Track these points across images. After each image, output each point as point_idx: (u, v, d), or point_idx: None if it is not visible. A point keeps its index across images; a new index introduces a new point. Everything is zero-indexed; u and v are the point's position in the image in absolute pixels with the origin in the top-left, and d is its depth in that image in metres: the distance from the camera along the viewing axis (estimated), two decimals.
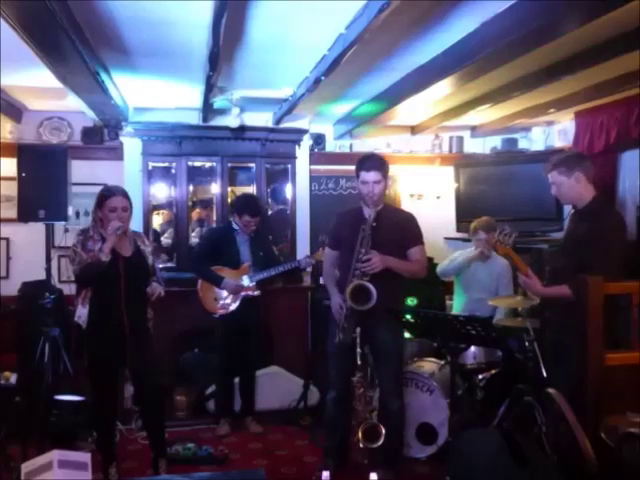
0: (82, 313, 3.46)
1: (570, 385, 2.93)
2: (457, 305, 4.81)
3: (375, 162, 3.57)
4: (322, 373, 4.10)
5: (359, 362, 3.37)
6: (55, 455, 1.81)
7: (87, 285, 3.50)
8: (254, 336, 4.77)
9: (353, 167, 3.70)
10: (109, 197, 3.49)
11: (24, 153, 4.45)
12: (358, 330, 3.37)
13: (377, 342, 3.47)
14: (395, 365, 3.70)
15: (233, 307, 4.62)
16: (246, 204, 4.72)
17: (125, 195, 3.56)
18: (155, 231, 5.69)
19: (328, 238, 3.97)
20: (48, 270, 4.53)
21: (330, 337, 3.68)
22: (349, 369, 3.50)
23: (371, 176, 3.51)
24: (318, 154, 5.98)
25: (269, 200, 5.75)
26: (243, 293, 4.62)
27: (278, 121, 5.36)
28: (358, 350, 3.36)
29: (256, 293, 4.67)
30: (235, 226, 4.72)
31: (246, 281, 4.63)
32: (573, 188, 3.24)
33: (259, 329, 4.82)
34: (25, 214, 4.46)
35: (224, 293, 4.63)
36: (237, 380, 4.89)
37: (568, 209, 5.19)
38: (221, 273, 4.62)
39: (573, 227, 3.33)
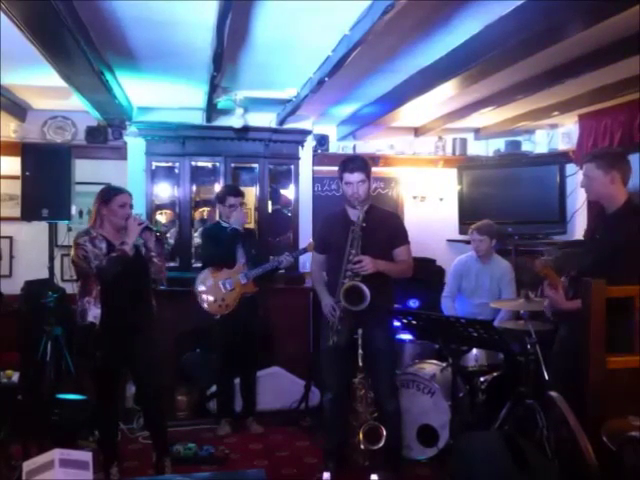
0: (97, 313, 3.46)
1: (575, 383, 2.92)
2: (460, 311, 4.80)
3: (358, 163, 3.58)
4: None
5: (360, 363, 3.37)
6: (56, 454, 1.81)
7: (109, 279, 3.47)
8: (254, 335, 4.77)
9: None
10: (118, 194, 3.61)
11: (28, 152, 4.47)
12: (360, 332, 3.37)
13: (370, 343, 3.46)
14: (389, 365, 3.70)
15: (233, 306, 4.61)
16: (225, 188, 4.95)
17: (129, 193, 3.71)
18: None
19: (314, 241, 3.99)
20: (51, 269, 4.55)
21: (322, 339, 3.69)
22: (345, 370, 3.51)
23: (355, 177, 3.52)
24: (321, 155, 5.99)
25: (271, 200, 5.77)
26: (241, 291, 4.62)
27: (282, 122, 5.36)
28: (360, 352, 3.36)
29: (254, 290, 4.67)
30: (224, 224, 4.72)
31: (243, 279, 4.63)
32: (606, 186, 3.12)
33: (259, 328, 4.82)
34: (28, 213, 4.48)
35: (222, 293, 4.63)
36: (238, 380, 4.89)
37: (573, 211, 5.30)
38: (218, 272, 4.62)
39: (604, 232, 3.19)
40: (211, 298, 4.63)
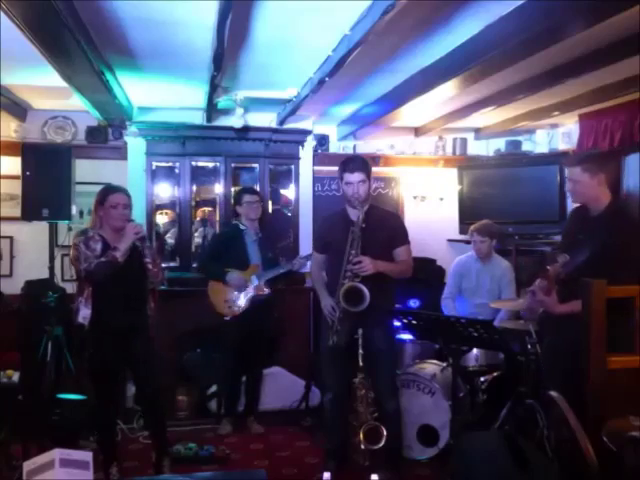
0: (86, 314, 3.46)
1: (572, 384, 2.92)
2: (460, 311, 4.79)
3: (358, 163, 3.58)
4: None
5: (361, 363, 3.37)
6: (57, 454, 1.81)
7: (98, 282, 3.47)
8: (265, 337, 4.77)
9: None
10: (111, 194, 3.55)
11: (28, 152, 4.47)
12: (360, 332, 3.37)
13: (370, 343, 3.45)
14: (389, 365, 3.71)
15: (243, 308, 4.62)
16: (242, 189, 5.01)
17: (126, 193, 3.61)
18: (158, 231, 5.70)
19: (314, 241, 3.98)
20: (51, 269, 4.54)
21: (322, 340, 3.69)
22: (345, 370, 3.50)
23: (355, 177, 3.51)
24: (322, 155, 5.99)
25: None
26: (252, 293, 4.62)
27: (282, 122, 5.36)
28: (360, 352, 3.36)
29: (266, 291, 4.67)
30: (242, 227, 4.74)
31: (255, 281, 4.63)
32: (592, 189, 3.15)
33: (272, 329, 4.81)
34: (29, 213, 4.48)
35: (234, 294, 4.63)
36: (243, 379, 4.90)
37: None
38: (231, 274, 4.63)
39: (591, 233, 3.17)
40: (221, 298, 4.63)
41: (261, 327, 4.69)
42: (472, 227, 4.78)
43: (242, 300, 4.62)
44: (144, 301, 3.66)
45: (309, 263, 4.28)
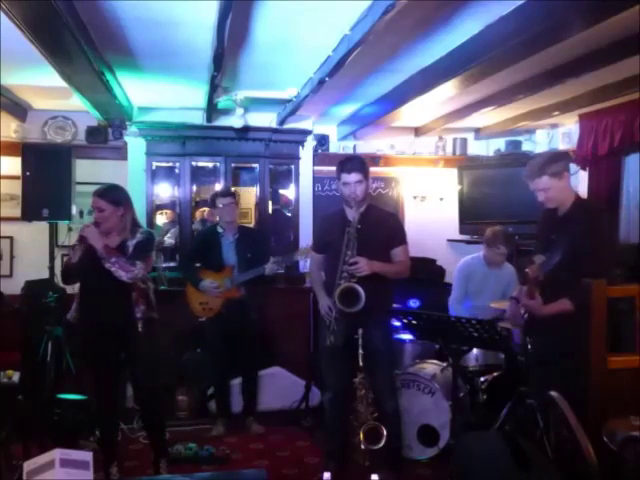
0: (73, 311, 3.52)
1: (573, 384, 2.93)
2: (461, 312, 4.77)
3: (356, 163, 3.56)
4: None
5: (361, 363, 3.37)
6: (57, 454, 1.82)
7: (67, 283, 3.60)
8: (247, 337, 4.72)
9: None
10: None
11: (28, 152, 4.47)
12: (360, 332, 3.36)
13: (369, 343, 3.42)
14: (388, 365, 3.70)
15: (216, 310, 4.61)
16: (215, 192, 5.02)
17: (101, 195, 3.48)
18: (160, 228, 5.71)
19: (313, 241, 3.98)
20: (51, 269, 4.55)
21: (321, 340, 3.69)
22: (344, 370, 3.50)
23: (352, 177, 3.49)
24: (322, 155, 5.99)
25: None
26: (225, 295, 4.61)
27: (282, 122, 5.37)
28: (360, 352, 3.36)
29: (239, 293, 4.61)
30: (220, 229, 4.69)
31: (227, 283, 4.60)
32: (563, 190, 3.15)
33: (251, 330, 4.74)
34: (29, 213, 4.48)
35: (206, 296, 4.62)
36: (239, 381, 4.90)
37: None
38: (204, 276, 4.61)
39: (562, 233, 3.16)
40: (195, 300, 4.65)
41: (240, 328, 4.64)
42: (495, 237, 4.55)
43: (215, 302, 4.61)
44: (128, 301, 3.51)
45: (308, 262, 4.27)
